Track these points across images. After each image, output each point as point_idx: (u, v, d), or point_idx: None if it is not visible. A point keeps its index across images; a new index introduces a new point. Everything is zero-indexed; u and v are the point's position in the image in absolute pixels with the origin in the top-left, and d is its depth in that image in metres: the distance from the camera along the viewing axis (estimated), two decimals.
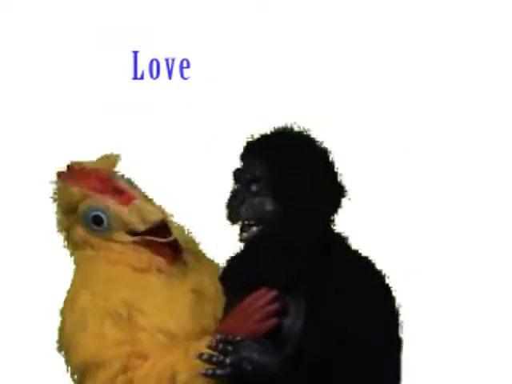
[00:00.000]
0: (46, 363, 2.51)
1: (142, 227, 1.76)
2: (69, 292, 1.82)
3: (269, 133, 1.86)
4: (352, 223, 1.86)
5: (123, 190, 1.78)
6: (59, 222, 1.87)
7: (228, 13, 3.35)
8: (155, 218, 1.74)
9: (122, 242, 1.78)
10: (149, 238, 1.77)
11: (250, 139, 1.86)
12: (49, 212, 1.90)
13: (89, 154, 1.94)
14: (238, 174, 1.82)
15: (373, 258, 1.78)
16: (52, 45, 3.27)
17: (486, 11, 3.25)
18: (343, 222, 1.85)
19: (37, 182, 2.05)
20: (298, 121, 1.89)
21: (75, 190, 1.77)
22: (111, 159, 1.86)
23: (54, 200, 1.85)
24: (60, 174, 1.84)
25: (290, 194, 1.74)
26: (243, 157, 1.86)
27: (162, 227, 1.80)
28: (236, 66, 3.30)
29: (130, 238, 1.79)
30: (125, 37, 3.24)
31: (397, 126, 3.19)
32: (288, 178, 1.75)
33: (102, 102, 3.19)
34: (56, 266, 2.19)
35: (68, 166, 1.84)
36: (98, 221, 1.77)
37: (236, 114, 3.13)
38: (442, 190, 3.20)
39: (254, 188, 1.76)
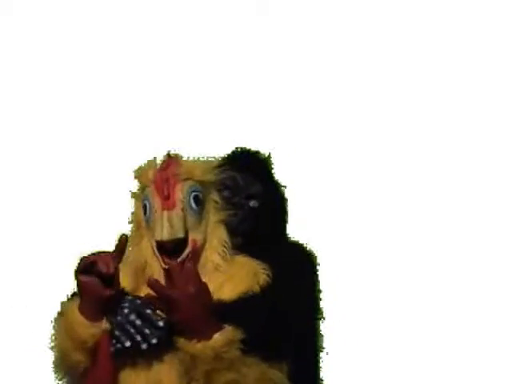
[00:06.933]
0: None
1: (158, 237, 1.73)
2: None
3: (256, 151, 2.01)
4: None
5: (169, 195, 1.74)
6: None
7: (228, 16, 3.38)
8: (165, 236, 1.68)
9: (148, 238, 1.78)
10: (158, 251, 1.74)
11: (244, 153, 2.00)
12: None
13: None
14: (233, 185, 1.89)
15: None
16: (52, 46, 3.29)
17: (484, 12, 3.28)
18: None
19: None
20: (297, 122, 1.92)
21: (145, 178, 1.78)
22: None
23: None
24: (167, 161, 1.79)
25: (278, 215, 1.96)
26: (237, 170, 1.91)
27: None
28: (235, 67, 3.32)
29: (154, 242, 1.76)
30: (124, 36, 3.27)
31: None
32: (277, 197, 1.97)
33: (101, 101, 3.21)
34: None
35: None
36: (144, 210, 1.78)
37: (235, 116, 3.16)
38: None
39: (251, 204, 1.91)
